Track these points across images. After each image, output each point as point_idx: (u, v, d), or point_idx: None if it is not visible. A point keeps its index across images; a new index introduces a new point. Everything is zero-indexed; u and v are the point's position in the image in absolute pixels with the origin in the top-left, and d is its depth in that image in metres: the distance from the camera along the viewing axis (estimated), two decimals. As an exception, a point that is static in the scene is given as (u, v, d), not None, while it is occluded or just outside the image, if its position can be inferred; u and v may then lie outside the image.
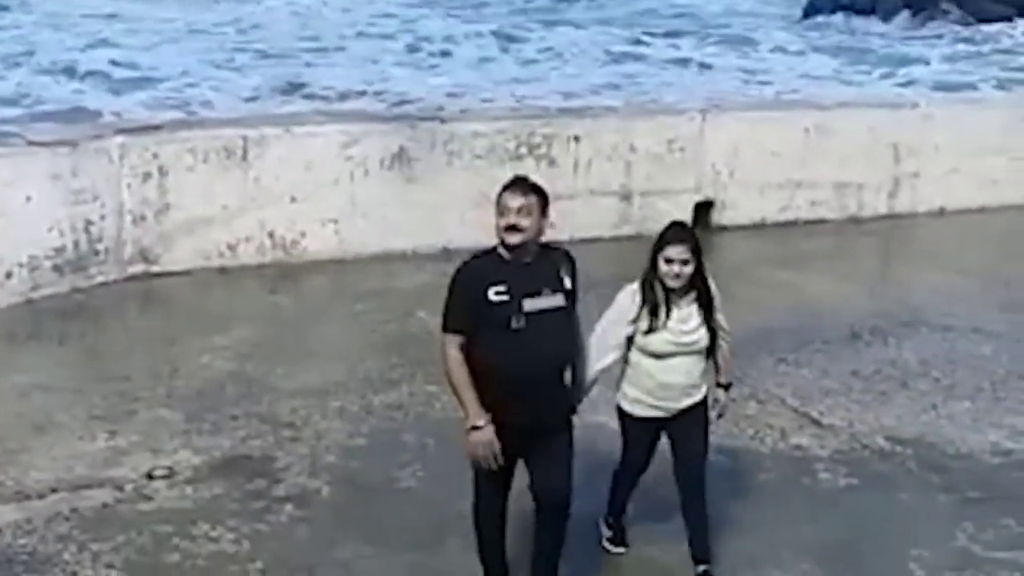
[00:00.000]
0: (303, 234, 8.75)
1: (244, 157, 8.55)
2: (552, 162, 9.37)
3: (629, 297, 4.77)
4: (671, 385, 4.77)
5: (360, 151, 8.86)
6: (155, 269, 8.42)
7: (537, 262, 4.42)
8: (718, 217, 10.06)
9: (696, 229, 9.55)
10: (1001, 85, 20.11)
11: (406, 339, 7.43)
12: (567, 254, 4.56)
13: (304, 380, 6.78)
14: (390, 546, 5.15)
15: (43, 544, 5.03)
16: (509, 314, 4.32)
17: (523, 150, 9.34)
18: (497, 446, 4.32)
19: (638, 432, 4.91)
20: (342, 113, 13.07)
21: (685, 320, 4.74)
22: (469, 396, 4.33)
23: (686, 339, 4.74)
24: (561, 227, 9.45)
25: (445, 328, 4.40)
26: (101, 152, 8.17)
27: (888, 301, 8.53)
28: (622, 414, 4.91)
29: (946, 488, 5.86)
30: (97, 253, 8.17)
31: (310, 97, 18.01)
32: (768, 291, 8.63)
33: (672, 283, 4.66)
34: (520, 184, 4.42)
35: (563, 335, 4.49)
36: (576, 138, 9.52)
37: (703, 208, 10.01)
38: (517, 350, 4.32)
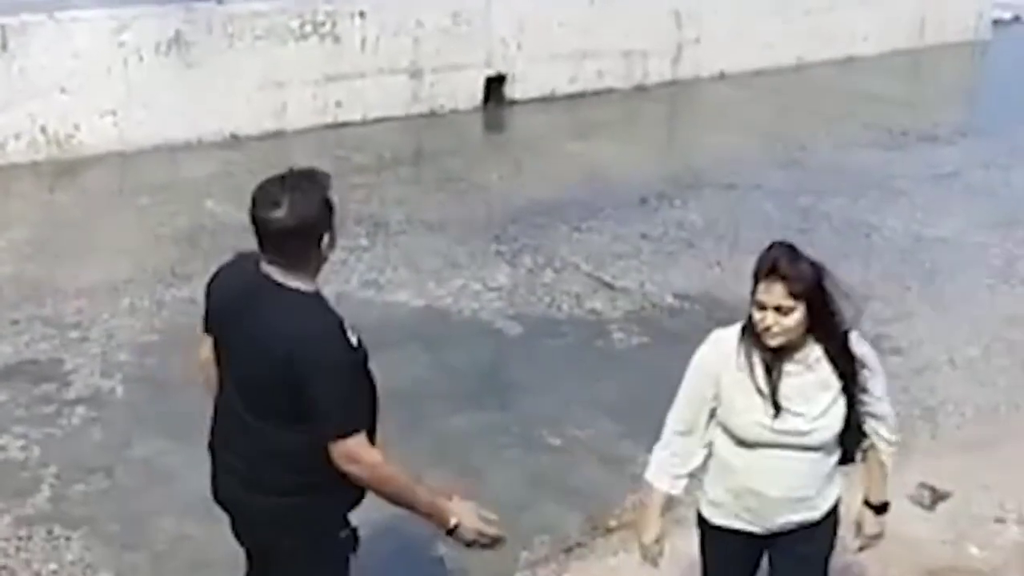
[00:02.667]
0: (78, 127, 8.33)
1: (4, 47, 8.02)
2: (337, 40, 9.16)
3: (714, 352, 3.18)
4: (763, 493, 3.18)
5: (133, 37, 8.44)
6: (-83, 172, 7.91)
7: None
8: (509, 91, 10.08)
9: (488, 105, 9.84)
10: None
11: (196, 231, 7.24)
12: None
13: (90, 279, 6.53)
14: (190, 440, 5.04)
15: None
16: None
17: (307, 28, 9.09)
18: (492, 515, 3.11)
19: (721, 549, 3.34)
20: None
21: (796, 397, 3.10)
22: (424, 491, 3.01)
23: (793, 426, 3.10)
24: (352, 107, 9.36)
25: (359, 426, 2.93)
26: None
27: (674, 165, 8.78)
28: (701, 521, 3.37)
29: (731, 339, 6.15)
30: None
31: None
32: (560, 162, 8.77)
33: (768, 340, 3.06)
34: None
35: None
36: (361, 14, 9.31)
37: (494, 83, 10.00)
38: None
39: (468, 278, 6.74)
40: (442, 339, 6.05)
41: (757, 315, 3.03)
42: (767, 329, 3.02)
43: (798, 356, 3.09)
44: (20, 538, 4.33)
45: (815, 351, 3.10)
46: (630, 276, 6.82)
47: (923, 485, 4.81)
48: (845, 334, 3.11)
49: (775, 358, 3.07)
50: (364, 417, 2.96)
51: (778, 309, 3.00)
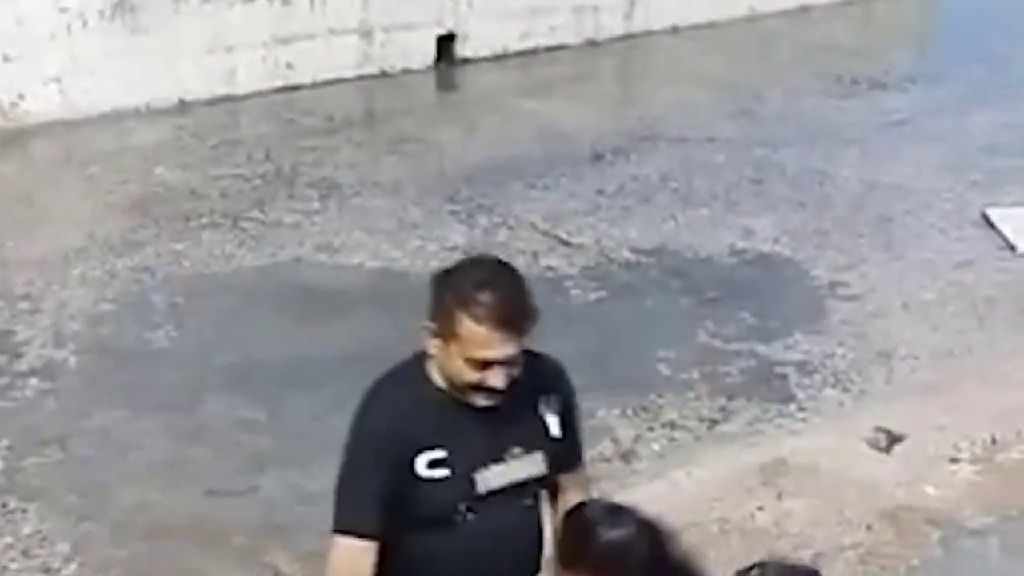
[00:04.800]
0: (22, 96, 8.16)
1: (-57, 16, 7.85)
2: (286, 1, 9.04)
3: None
4: None
5: (76, 2, 8.27)
6: None
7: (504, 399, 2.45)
8: (461, 50, 10.00)
9: (440, 64, 9.76)
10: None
11: (147, 199, 7.14)
12: (557, 369, 2.67)
13: (39, 250, 6.44)
14: (147, 408, 5.04)
15: None
16: (452, 500, 2.46)
17: (253, -10, 8.94)
18: None
19: None
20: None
21: None
22: None
23: None
24: (302, 70, 9.25)
25: (339, 525, 2.45)
26: None
27: (628, 120, 8.76)
28: None
29: (687, 291, 6.18)
30: None
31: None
32: (514, 120, 8.72)
33: None
34: (511, 309, 2.40)
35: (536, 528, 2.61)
36: (309, -25, 9.18)
37: (446, 41, 9.92)
38: (462, 560, 2.49)
39: (424, 239, 6.71)
40: (400, 300, 6.02)
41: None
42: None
43: None
44: (-25, 512, 4.29)
45: None
46: (586, 232, 6.81)
47: (878, 428, 4.87)
48: None
49: None
50: (357, 517, 2.42)
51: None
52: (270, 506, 4.43)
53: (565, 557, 2.33)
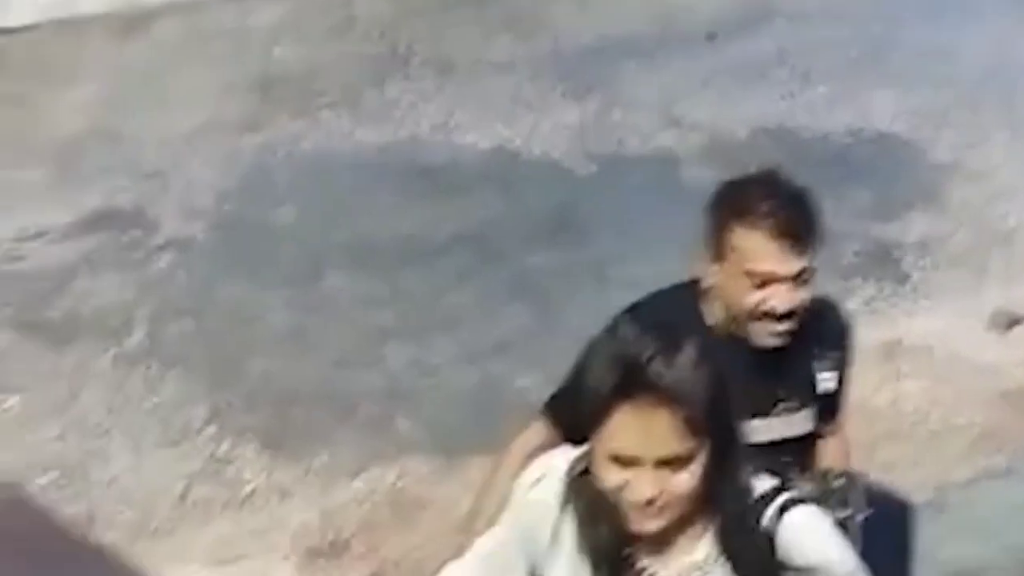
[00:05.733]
0: (144, -23, 8.32)
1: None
2: None
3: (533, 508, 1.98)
4: None
5: None
6: (-9, 28, 7.99)
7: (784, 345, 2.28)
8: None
9: None
10: None
11: (267, 78, 7.25)
12: (843, 323, 2.55)
13: (167, 128, 6.62)
14: (272, 282, 5.24)
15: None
16: None
17: None
18: None
19: None
20: None
21: None
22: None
23: None
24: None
25: (543, 407, 2.49)
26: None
27: (743, -5, 8.56)
28: None
29: (804, 171, 6.09)
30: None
31: None
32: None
33: (639, 523, 1.78)
34: (791, 218, 2.28)
35: None
36: None
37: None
38: None
39: (537, 118, 6.72)
40: (513, 180, 6.10)
41: (611, 477, 1.70)
42: (639, 506, 1.69)
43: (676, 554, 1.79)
44: (120, 376, 4.55)
45: (704, 542, 1.79)
46: (700, 111, 6.75)
47: (998, 310, 4.83)
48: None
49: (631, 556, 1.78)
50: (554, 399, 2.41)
51: (663, 463, 1.68)
52: (394, 377, 4.61)
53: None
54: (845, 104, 6.78)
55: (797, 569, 1.76)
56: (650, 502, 1.68)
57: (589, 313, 5.04)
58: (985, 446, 4.15)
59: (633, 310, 2.41)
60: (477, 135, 6.57)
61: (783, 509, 1.77)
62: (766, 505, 1.77)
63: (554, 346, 4.84)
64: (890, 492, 2.71)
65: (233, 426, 4.29)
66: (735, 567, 1.75)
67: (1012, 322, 4.75)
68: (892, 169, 6.17)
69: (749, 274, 2.25)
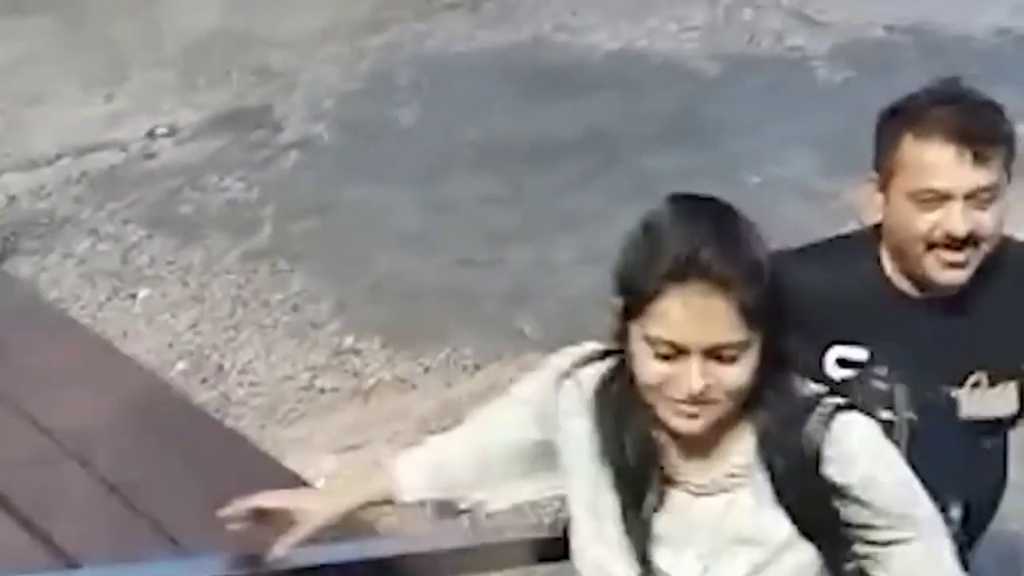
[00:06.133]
0: None
1: None
2: None
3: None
4: None
5: None
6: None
7: (971, 296, 1.92)
8: None
9: None
10: None
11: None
12: None
13: (292, 29, 6.67)
14: (396, 182, 5.25)
15: (61, 206, 5.14)
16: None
17: None
18: None
19: None
20: None
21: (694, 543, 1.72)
22: None
23: None
24: None
25: None
26: None
27: None
28: None
29: (947, 71, 5.83)
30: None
31: None
32: None
33: (677, 423, 1.61)
34: (969, 121, 1.87)
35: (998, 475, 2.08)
36: None
37: None
38: None
39: (663, 18, 6.56)
40: (639, 80, 5.98)
41: (654, 370, 1.55)
42: (683, 401, 1.55)
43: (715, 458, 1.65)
44: (248, 271, 4.64)
45: (743, 448, 1.62)
46: (835, 9, 6.50)
47: None
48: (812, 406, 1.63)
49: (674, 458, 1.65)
50: None
51: (713, 354, 1.53)
52: (516, 276, 4.60)
53: None
54: (990, 2, 6.45)
55: (839, 489, 1.58)
56: (694, 399, 1.53)
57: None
58: None
59: (800, 253, 2.03)
60: (602, 35, 6.45)
61: (831, 416, 1.59)
62: (813, 410, 1.59)
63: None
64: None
65: (357, 321, 4.35)
66: (773, 478, 1.59)
67: None
68: (1040, 70, 5.87)
69: (920, 193, 1.85)
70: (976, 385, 1.94)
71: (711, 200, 1.62)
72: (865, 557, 1.63)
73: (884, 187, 1.93)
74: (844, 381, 1.90)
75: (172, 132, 5.67)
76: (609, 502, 1.65)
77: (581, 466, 1.68)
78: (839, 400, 1.62)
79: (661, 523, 1.62)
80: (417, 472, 1.86)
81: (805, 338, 1.72)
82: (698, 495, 1.62)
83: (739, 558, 1.60)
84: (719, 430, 1.60)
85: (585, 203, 4.98)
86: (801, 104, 5.66)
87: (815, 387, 1.63)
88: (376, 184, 5.22)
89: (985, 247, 1.87)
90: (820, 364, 1.91)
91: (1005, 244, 1.94)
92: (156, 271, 4.64)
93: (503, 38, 6.48)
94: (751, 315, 1.51)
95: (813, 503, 1.58)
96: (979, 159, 1.85)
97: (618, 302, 1.59)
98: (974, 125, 1.86)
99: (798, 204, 4.84)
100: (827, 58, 6.03)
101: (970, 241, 1.86)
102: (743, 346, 1.53)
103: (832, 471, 1.57)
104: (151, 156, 5.52)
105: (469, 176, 5.23)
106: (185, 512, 2.78)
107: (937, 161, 1.85)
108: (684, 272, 1.50)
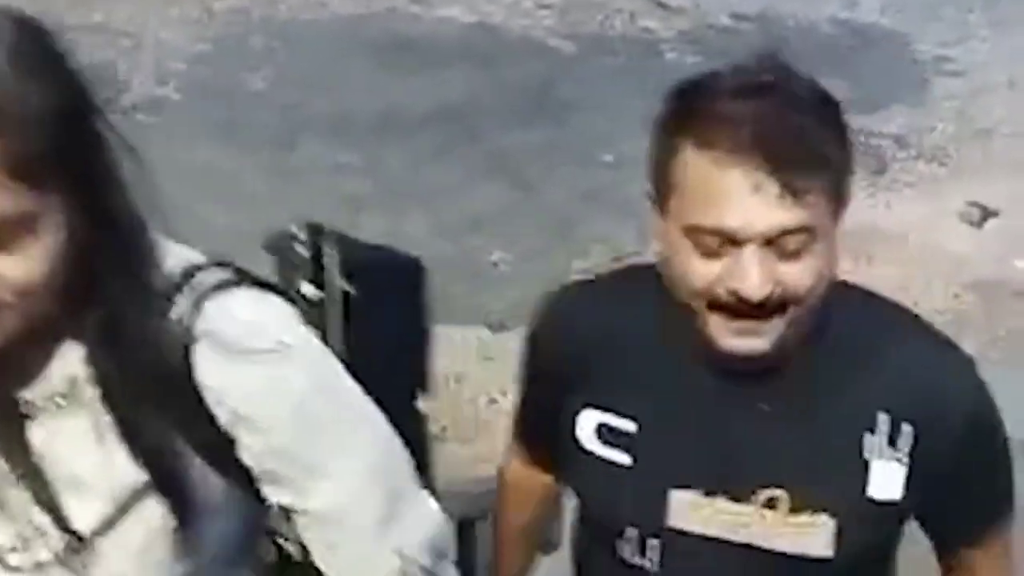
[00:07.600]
0: None
1: None
2: None
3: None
4: None
5: None
6: None
7: (783, 374, 1.32)
8: None
9: None
10: None
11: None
12: (948, 366, 1.38)
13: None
14: (246, 147, 5.15)
15: None
16: (626, 515, 1.39)
17: None
18: None
19: None
20: None
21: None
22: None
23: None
24: None
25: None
26: None
27: None
28: None
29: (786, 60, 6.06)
30: None
31: None
32: None
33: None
34: (775, 126, 1.19)
35: None
36: None
37: None
38: None
39: (519, -6, 6.61)
40: (494, 56, 6.00)
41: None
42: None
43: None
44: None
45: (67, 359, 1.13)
46: (685, -5, 6.66)
47: (972, 203, 4.84)
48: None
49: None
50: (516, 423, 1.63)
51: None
52: (367, 244, 4.56)
53: None
54: (831, -8, 6.72)
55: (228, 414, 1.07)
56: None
57: (568, 192, 5.06)
58: (952, 333, 4.18)
59: (588, 284, 1.56)
60: (457, 8, 6.45)
61: (204, 297, 1.07)
62: (177, 293, 1.07)
63: (530, 223, 4.85)
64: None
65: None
66: (108, 396, 1.07)
67: (985, 215, 4.77)
68: (876, 61, 6.13)
69: (697, 232, 1.23)
70: (770, 506, 1.31)
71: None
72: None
73: (661, 209, 1.29)
74: (607, 464, 1.37)
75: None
76: None
77: None
78: (225, 274, 1.10)
79: None
80: None
81: (557, 391, 1.39)
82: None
83: (77, 507, 1.08)
84: (30, 339, 1.04)
85: (439, 176, 4.99)
86: (652, 85, 5.74)
87: (186, 255, 1.11)
88: (225, 147, 5.11)
89: (798, 310, 1.25)
90: (572, 427, 1.40)
91: (843, 295, 1.34)
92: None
93: (357, 7, 6.42)
94: (33, 167, 0.96)
95: (170, 434, 1.05)
96: (788, 190, 1.19)
97: None
98: (784, 137, 1.19)
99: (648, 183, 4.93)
100: (676, 42, 6.17)
101: (770, 304, 1.22)
102: (29, 213, 0.97)
103: (210, 383, 1.06)
104: None
105: (321, 144, 5.18)
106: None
107: (722, 188, 1.20)
108: None
